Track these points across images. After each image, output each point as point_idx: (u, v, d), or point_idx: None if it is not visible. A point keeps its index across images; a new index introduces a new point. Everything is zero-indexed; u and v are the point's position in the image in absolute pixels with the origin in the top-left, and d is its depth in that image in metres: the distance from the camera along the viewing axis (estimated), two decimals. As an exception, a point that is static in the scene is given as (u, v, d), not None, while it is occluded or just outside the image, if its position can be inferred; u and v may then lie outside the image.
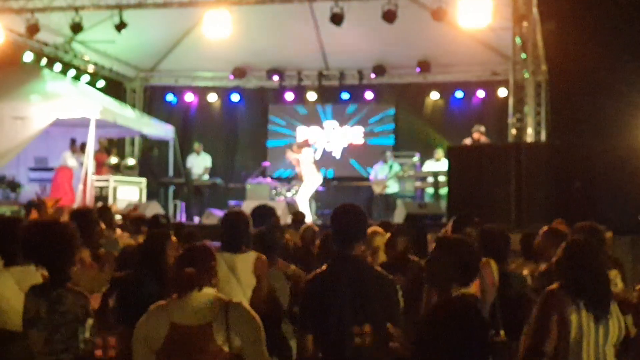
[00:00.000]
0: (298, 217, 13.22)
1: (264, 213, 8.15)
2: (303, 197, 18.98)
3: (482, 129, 19.29)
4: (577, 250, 5.02)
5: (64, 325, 4.74)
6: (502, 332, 6.03)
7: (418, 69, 22.68)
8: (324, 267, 5.16)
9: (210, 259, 4.75)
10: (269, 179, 21.37)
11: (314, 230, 9.83)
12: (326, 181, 22.03)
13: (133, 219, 11.76)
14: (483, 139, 19.05)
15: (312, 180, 19.08)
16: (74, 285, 5.00)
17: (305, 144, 20.89)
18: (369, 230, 7.47)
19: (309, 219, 18.09)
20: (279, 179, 22.36)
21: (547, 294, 4.98)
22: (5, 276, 5.40)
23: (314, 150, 21.78)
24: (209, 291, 4.59)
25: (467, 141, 19.20)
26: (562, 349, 4.84)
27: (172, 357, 4.45)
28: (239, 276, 6.19)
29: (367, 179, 22.28)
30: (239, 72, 24.17)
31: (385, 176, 20.28)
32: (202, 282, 4.60)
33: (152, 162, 22.15)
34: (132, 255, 6.95)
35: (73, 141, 19.62)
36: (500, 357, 5.86)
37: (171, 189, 21.45)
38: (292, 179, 21.16)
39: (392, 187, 20.31)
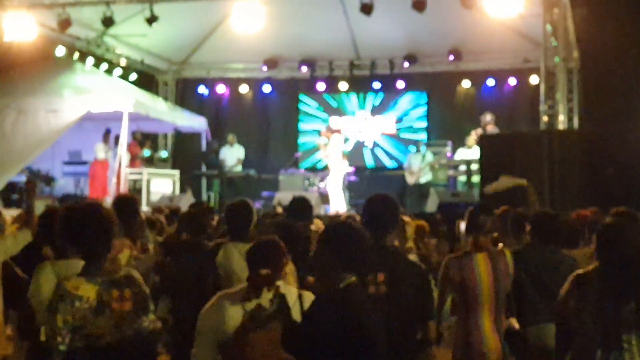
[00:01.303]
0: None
1: (303, 206, 7.94)
2: (333, 186, 19.02)
3: (488, 117, 19.14)
4: (610, 233, 4.94)
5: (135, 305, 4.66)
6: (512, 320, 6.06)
7: (451, 57, 22.61)
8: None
9: (282, 256, 4.75)
10: (302, 170, 21.42)
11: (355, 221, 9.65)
12: (359, 171, 22.07)
13: (171, 211, 11.95)
14: (490, 128, 18.90)
15: (337, 168, 19.11)
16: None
17: (336, 130, 20.90)
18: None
19: (341, 208, 18.17)
20: (312, 170, 22.41)
21: (572, 278, 4.94)
22: (47, 269, 5.41)
23: (345, 140, 21.74)
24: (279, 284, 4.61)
25: (478, 132, 19.06)
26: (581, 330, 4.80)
27: (246, 347, 4.45)
28: None
29: (399, 169, 22.29)
30: (271, 63, 24.24)
31: (418, 166, 20.26)
32: (275, 281, 4.63)
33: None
34: (174, 244, 7.04)
35: (107, 132, 19.78)
36: (514, 345, 5.88)
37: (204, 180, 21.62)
38: (325, 169, 21.21)
39: (425, 176, 20.30)
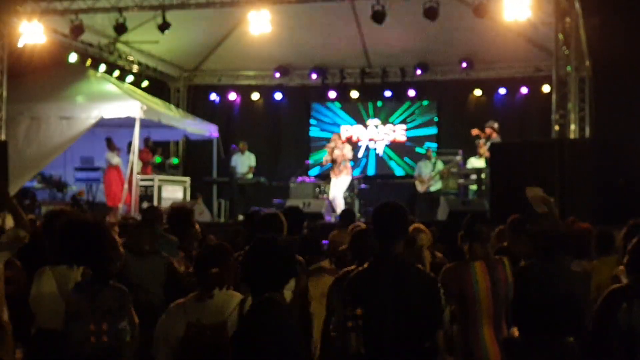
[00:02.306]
0: (347, 215, 12.28)
1: (299, 218, 7.86)
2: (337, 194, 19.09)
3: (495, 125, 19.07)
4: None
5: (105, 318, 4.77)
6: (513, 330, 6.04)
7: (462, 66, 22.62)
8: (365, 265, 5.19)
9: (228, 258, 4.83)
10: (312, 178, 21.43)
11: None
12: (369, 179, 22.09)
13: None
14: (495, 136, 18.83)
15: (342, 177, 19.20)
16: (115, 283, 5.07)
17: (349, 140, 20.93)
18: (411, 228, 7.49)
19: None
20: (322, 177, 22.45)
21: (606, 293, 4.92)
22: (47, 276, 5.46)
23: (354, 150, 21.71)
24: (227, 291, 4.70)
25: (482, 142, 18.98)
26: (614, 347, 4.78)
27: (189, 355, 4.59)
28: None
29: (409, 177, 22.29)
30: (282, 71, 24.28)
31: (429, 174, 20.26)
32: (224, 281, 4.70)
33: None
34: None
35: (109, 140, 19.84)
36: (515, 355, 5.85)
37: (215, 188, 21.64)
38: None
39: (436, 185, 20.29)
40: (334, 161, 19.25)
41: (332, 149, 19.32)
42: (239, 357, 4.38)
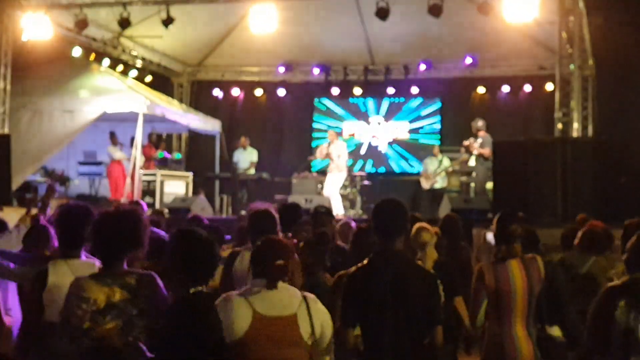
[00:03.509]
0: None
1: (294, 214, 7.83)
2: (332, 190, 19.14)
3: (480, 123, 18.76)
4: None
5: (148, 308, 4.71)
6: (546, 327, 6.05)
7: (466, 63, 22.61)
8: (365, 261, 5.20)
9: (292, 252, 4.82)
10: (314, 174, 21.45)
11: (349, 226, 9.21)
12: (372, 176, 22.09)
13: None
14: (482, 134, 18.64)
15: (336, 173, 19.32)
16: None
17: (340, 135, 20.98)
18: (416, 226, 7.49)
19: (340, 212, 18.23)
20: (322, 172, 22.46)
21: (604, 290, 4.93)
22: (63, 268, 5.43)
23: (350, 144, 21.67)
24: (285, 283, 4.66)
25: (471, 140, 18.76)
26: (609, 347, 4.77)
27: (255, 348, 4.49)
28: None
29: (412, 174, 22.30)
30: (285, 67, 24.29)
31: (434, 170, 20.27)
32: (287, 274, 4.68)
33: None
34: None
35: (112, 134, 19.87)
36: (545, 352, 5.88)
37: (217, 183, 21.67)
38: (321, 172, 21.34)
39: (440, 182, 20.30)
40: (330, 157, 19.32)
41: (327, 146, 19.40)
42: (159, 351, 4.40)
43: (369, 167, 24.02)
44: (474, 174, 18.65)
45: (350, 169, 20.64)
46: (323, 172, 20.99)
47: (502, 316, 5.88)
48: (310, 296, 4.69)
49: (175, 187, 19.64)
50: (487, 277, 5.95)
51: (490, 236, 7.58)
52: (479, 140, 18.05)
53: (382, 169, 24.22)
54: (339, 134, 20.98)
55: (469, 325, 6.54)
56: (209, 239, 4.58)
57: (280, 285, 4.60)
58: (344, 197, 19.61)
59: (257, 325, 4.47)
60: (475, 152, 18.13)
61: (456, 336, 7.22)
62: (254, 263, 4.76)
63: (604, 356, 4.77)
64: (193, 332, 4.25)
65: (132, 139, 19.10)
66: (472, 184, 19.39)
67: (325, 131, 23.22)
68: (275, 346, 4.48)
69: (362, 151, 24.30)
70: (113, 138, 19.84)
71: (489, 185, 17.66)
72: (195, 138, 24.15)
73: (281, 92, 25.02)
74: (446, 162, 20.41)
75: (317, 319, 4.59)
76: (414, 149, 24.02)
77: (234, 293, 4.68)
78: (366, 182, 21.00)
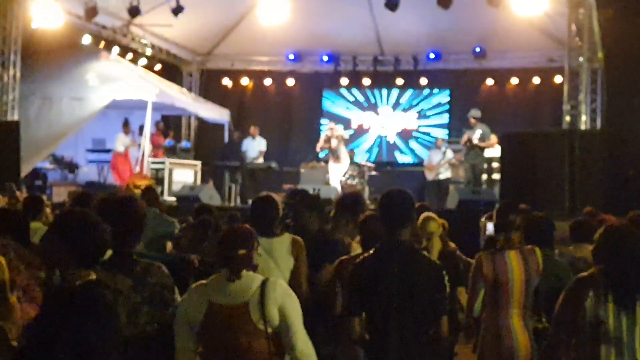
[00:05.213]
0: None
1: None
2: (336, 181, 19.30)
3: (473, 112, 18.67)
4: (611, 236, 4.93)
5: (153, 296, 4.73)
6: (543, 319, 6.08)
7: (475, 54, 22.60)
8: (371, 251, 5.21)
9: (254, 240, 4.86)
10: (322, 163, 21.46)
11: None
12: (379, 166, 22.10)
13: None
14: (473, 122, 18.50)
15: (338, 165, 19.53)
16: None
17: (340, 128, 21.03)
18: (423, 216, 7.52)
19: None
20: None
21: (573, 281, 4.97)
22: None
23: (347, 136, 21.64)
24: (249, 272, 4.70)
25: (468, 134, 18.68)
26: (579, 337, 4.82)
27: (211, 336, 4.60)
28: (277, 259, 6.16)
29: (419, 165, 22.31)
30: (295, 57, 24.30)
31: (438, 162, 20.28)
32: (251, 263, 4.72)
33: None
34: None
35: (126, 121, 19.91)
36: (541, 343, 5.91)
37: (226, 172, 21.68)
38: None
39: (445, 173, 20.32)
40: (330, 149, 19.37)
41: (329, 137, 19.45)
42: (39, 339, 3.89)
43: (377, 158, 24.04)
44: (493, 164, 18.53)
45: (352, 159, 20.60)
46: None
47: (499, 306, 5.91)
48: (272, 282, 4.69)
49: (184, 175, 19.67)
50: (485, 267, 5.98)
51: (490, 226, 7.60)
52: (478, 132, 18.03)
53: (389, 160, 24.23)
54: (336, 127, 20.87)
55: (465, 314, 6.56)
56: (99, 221, 4.08)
57: (244, 274, 4.65)
58: (352, 187, 19.63)
59: (211, 314, 4.57)
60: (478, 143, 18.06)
61: (456, 327, 7.24)
62: (217, 253, 4.81)
63: (571, 345, 4.83)
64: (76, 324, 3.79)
65: (141, 128, 19.14)
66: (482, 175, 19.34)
67: (336, 122, 23.28)
68: (232, 334, 4.55)
69: (371, 142, 24.31)
70: (126, 126, 19.88)
71: (497, 176, 17.69)
72: (204, 127, 24.19)
73: (290, 81, 25.03)
74: (449, 153, 20.39)
75: (272, 305, 4.59)
76: (421, 140, 24.03)
77: (200, 283, 4.77)
78: (374, 173, 21.01)
